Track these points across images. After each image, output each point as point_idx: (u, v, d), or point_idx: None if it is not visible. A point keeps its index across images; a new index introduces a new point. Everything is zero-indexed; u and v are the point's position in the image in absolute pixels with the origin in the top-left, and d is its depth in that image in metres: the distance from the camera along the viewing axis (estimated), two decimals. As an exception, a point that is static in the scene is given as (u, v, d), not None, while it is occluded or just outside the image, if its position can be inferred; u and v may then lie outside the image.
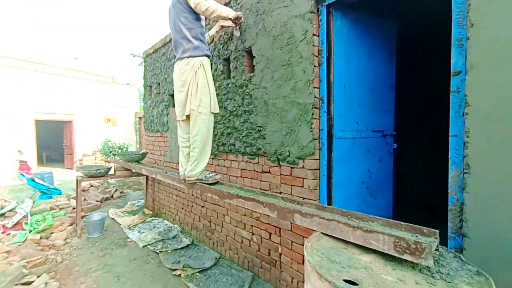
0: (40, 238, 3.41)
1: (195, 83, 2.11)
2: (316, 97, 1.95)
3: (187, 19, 2.11)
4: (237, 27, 2.47)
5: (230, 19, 2.29)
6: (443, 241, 1.18)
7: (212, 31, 2.59)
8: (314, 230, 1.33)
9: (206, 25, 2.91)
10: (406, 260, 0.98)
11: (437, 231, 1.03)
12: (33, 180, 5.52)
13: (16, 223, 3.82)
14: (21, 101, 8.94)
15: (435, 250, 0.98)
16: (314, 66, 1.93)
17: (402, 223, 1.12)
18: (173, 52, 3.82)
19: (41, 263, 2.79)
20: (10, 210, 4.27)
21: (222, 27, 2.59)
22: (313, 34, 1.92)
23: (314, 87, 1.94)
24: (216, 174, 2.28)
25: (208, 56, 2.21)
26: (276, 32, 2.18)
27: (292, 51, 2.06)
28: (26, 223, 3.76)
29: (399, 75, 2.62)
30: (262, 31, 2.31)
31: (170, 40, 3.83)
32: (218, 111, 2.25)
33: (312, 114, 1.95)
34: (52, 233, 3.63)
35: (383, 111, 2.40)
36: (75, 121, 10.54)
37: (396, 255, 0.98)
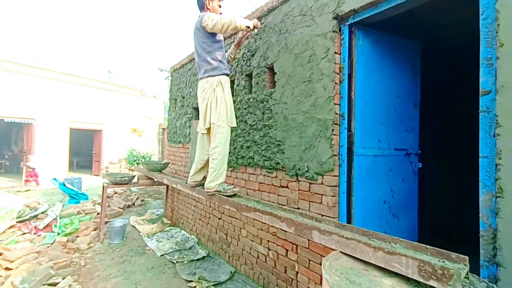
0: (67, 241, 3.59)
1: (214, 99, 2.27)
2: (336, 114, 1.96)
3: (206, 44, 2.30)
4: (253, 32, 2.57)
5: (248, 27, 2.32)
6: (474, 270, 1.11)
7: (231, 51, 2.70)
8: (332, 249, 1.30)
9: (228, 44, 3.06)
10: (432, 287, 0.93)
11: (467, 257, 0.97)
12: (64, 185, 5.88)
13: (47, 225, 4.07)
14: (59, 110, 9.71)
15: (465, 277, 0.92)
16: (335, 83, 1.95)
17: (428, 246, 1.07)
18: (198, 68, 4.04)
19: (66, 265, 2.92)
20: (42, 213, 4.56)
21: (239, 42, 2.65)
22: (335, 52, 1.95)
23: (335, 104, 1.95)
24: (235, 187, 2.32)
25: (227, 75, 2.36)
26: (298, 50, 2.24)
27: (313, 68, 2.10)
28: (55, 226, 3.99)
29: (424, 94, 2.55)
30: (284, 49, 2.39)
31: (196, 57, 4.06)
32: (234, 124, 2.36)
33: (332, 130, 1.95)
34: (77, 236, 3.81)
35: (407, 129, 2.34)
36: (104, 130, 11.21)
37: (421, 280, 0.93)
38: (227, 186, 2.27)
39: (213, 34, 2.30)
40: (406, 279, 1.00)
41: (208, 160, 2.37)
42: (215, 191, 2.24)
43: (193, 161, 4.03)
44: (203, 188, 2.36)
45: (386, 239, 1.21)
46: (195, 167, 2.53)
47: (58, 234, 3.81)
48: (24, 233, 3.83)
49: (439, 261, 0.99)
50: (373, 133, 2.09)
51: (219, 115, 2.25)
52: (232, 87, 2.95)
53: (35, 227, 3.98)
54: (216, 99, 2.25)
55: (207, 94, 2.29)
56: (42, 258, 2.97)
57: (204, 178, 2.48)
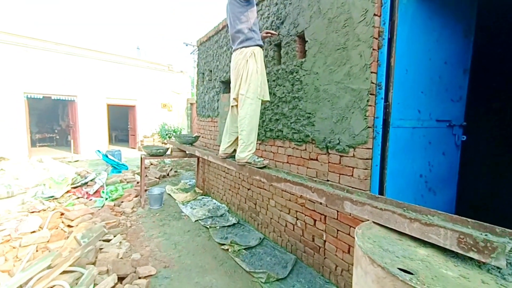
0: (114, 205, 4.04)
1: (246, 70, 2.26)
2: (373, 83, 1.84)
3: (242, 13, 2.27)
4: None
5: None
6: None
7: None
8: (363, 220, 1.31)
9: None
10: (471, 259, 0.92)
11: (514, 232, 0.92)
12: (107, 156, 6.46)
13: (96, 191, 4.58)
14: (96, 87, 10.36)
15: (510, 251, 0.88)
16: (373, 49, 1.81)
17: (469, 219, 1.03)
18: (224, 39, 3.96)
19: (116, 225, 3.32)
20: (91, 180, 5.12)
21: None
22: (374, 14, 1.78)
23: (372, 72, 1.83)
24: (265, 159, 2.36)
25: (260, 46, 2.32)
26: (332, 14, 2.08)
27: (349, 34, 1.95)
28: (103, 192, 4.48)
29: (477, 59, 2.27)
30: (316, 14, 2.24)
31: (223, 28, 3.96)
32: (267, 98, 2.35)
33: (367, 100, 1.85)
34: (122, 202, 4.25)
35: (452, 99, 2.14)
36: (137, 106, 11.82)
37: (460, 251, 0.92)
38: (258, 158, 2.33)
39: (248, 3, 2.26)
40: (443, 250, 0.99)
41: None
42: (246, 162, 2.32)
43: (222, 134, 4.16)
44: (234, 160, 2.45)
45: (422, 211, 1.18)
46: (226, 140, 2.61)
47: (106, 199, 4.28)
48: (78, 198, 4.37)
49: (481, 234, 0.96)
50: (413, 103, 1.95)
51: (248, 86, 2.25)
52: (261, 58, 2.88)
53: (87, 193, 4.50)
54: (248, 71, 2.24)
55: (240, 65, 2.29)
56: (96, 218, 3.39)
57: (235, 151, 2.56)
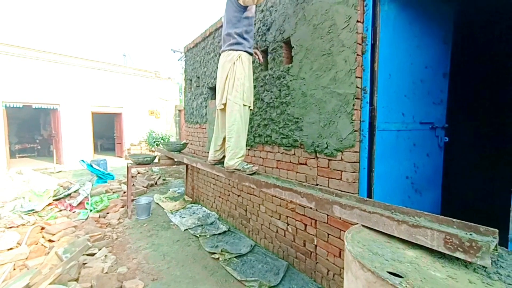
0: (99, 217, 3.89)
1: (233, 74, 2.23)
2: (358, 87, 1.88)
3: (236, 18, 2.24)
4: None
5: None
6: (504, 244, 1.08)
7: None
8: (352, 223, 1.32)
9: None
10: (458, 259, 0.93)
11: (496, 230, 0.95)
12: (92, 166, 6.25)
13: (80, 203, 4.40)
14: (80, 95, 10.08)
15: (494, 250, 0.90)
16: (357, 55, 1.85)
17: (454, 220, 1.05)
18: (212, 45, 3.96)
19: (101, 238, 3.18)
20: (74, 191, 4.93)
21: None
22: (357, 21, 1.83)
23: (356, 77, 1.86)
24: (254, 166, 2.35)
25: (249, 53, 2.30)
26: (317, 21, 2.12)
27: (334, 40, 1.99)
28: (87, 203, 4.31)
29: (455, 63, 2.37)
30: (302, 21, 2.27)
31: (209, 35, 3.97)
32: (249, 104, 2.31)
33: (353, 105, 1.88)
34: (108, 213, 4.10)
35: (434, 102, 2.21)
36: (123, 114, 11.57)
37: (447, 252, 0.93)
38: (247, 165, 2.31)
39: (244, 10, 2.23)
40: (430, 251, 1.00)
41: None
42: (235, 169, 2.29)
43: (211, 140, 4.12)
44: (223, 167, 2.42)
45: (409, 213, 1.20)
46: (214, 145, 2.57)
47: (91, 210, 4.12)
48: (60, 210, 4.18)
49: (466, 234, 0.97)
50: (397, 106, 2.00)
51: (236, 92, 2.22)
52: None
53: (70, 205, 4.32)
54: (235, 75, 2.21)
55: (226, 67, 2.26)
56: (79, 231, 3.25)
57: (224, 156, 2.53)
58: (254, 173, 2.32)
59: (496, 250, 0.94)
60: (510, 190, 1.21)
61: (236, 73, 2.22)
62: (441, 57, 2.21)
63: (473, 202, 3.44)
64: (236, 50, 2.23)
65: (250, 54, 2.32)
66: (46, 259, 2.61)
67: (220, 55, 2.41)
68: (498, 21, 3.06)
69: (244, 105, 2.26)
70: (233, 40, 2.24)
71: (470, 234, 0.97)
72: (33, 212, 3.96)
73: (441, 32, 2.17)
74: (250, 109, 2.38)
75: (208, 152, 4.22)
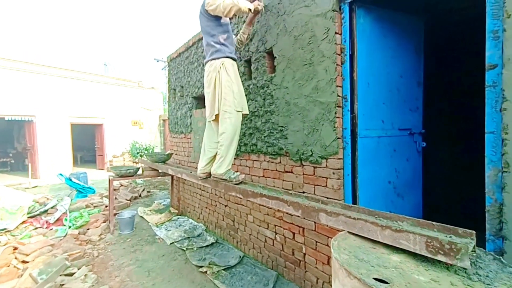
0: (78, 233, 3.69)
1: (219, 83, 2.20)
2: (339, 96, 1.94)
3: (210, 27, 2.24)
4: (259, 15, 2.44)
5: (250, 9, 2.23)
6: (480, 245, 1.13)
7: (243, 30, 2.57)
8: (339, 230, 1.33)
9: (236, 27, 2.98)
10: (440, 262, 0.96)
11: (474, 232, 0.99)
12: (71, 180, 5.96)
13: (57, 219, 4.17)
14: (58, 106, 9.68)
15: (472, 251, 0.94)
16: (337, 65, 1.92)
17: (435, 223, 1.09)
18: (195, 55, 3.96)
19: (80, 256, 3.01)
20: (52, 207, 4.66)
21: (251, 22, 2.53)
22: (336, 33, 1.90)
23: (337, 86, 1.92)
24: (241, 174, 2.32)
25: (232, 59, 2.28)
26: (297, 32, 2.19)
27: (314, 51, 2.06)
28: (66, 220, 4.08)
29: (428, 72, 2.51)
30: (283, 32, 2.33)
31: (193, 45, 3.97)
32: (246, 111, 2.28)
33: (335, 113, 1.94)
34: (88, 229, 3.90)
35: (410, 109, 2.32)
36: (105, 124, 11.21)
37: (429, 255, 0.96)
38: (234, 174, 2.28)
39: (216, 18, 2.22)
40: (414, 254, 1.02)
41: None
42: (222, 179, 2.26)
43: (196, 150, 4.06)
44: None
45: (392, 218, 1.23)
46: (205, 157, 2.42)
47: (69, 227, 3.90)
48: (36, 228, 3.93)
49: (446, 236, 1.01)
50: (377, 114, 2.08)
51: (224, 99, 2.18)
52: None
53: (46, 222, 4.07)
54: (222, 84, 2.18)
55: (212, 78, 2.23)
56: (57, 250, 3.06)
57: None
58: (240, 182, 2.29)
59: (474, 251, 0.98)
60: (485, 192, 1.28)
61: (222, 81, 2.19)
62: (415, 66, 2.33)
63: (452, 204, 3.58)
64: (218, 58, 2.22)
65: (234, 59, 2.31)
66: (19, 282, 2.43)
67: (203, 68, 2.39)
68: (462, 31, 3.28)
69: (237, 111, 2.22)
70: (213, 49, 2.24)
71: (450, 237, 1.01)
72: (5, 232, 3.69)
73: (413, 43, 2.30)
74: (245, 114, 2.32)
75: (194, 162, 4.15)
